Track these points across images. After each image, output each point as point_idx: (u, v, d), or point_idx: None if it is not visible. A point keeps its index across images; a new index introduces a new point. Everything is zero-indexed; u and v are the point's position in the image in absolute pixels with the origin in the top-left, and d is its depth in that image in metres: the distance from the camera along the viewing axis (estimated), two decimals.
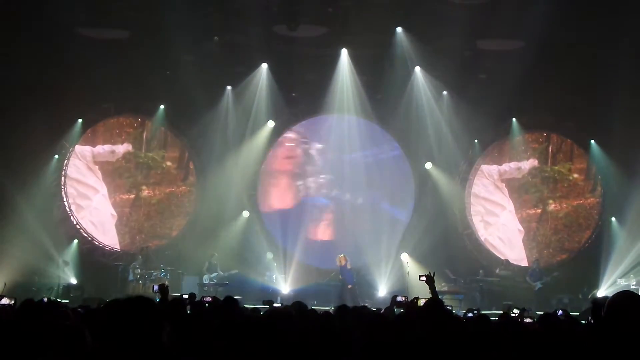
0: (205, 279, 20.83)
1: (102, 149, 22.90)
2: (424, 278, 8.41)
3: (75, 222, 22.22)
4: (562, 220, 23.27)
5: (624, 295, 3.76)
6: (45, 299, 12.73)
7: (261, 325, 5.32)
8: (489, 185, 23.70)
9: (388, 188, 23.43)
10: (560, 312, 13.14)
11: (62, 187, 22.27)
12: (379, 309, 14.24)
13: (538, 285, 21.13)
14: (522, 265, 22.80)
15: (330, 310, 13.38)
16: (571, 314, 12.01)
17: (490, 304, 20.13)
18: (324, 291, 21.57)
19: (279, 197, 23.69)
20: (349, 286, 19.98)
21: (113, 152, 22.96)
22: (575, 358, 3.93)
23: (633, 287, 19.83)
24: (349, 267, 20.16)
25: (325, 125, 23.31)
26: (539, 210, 23.39)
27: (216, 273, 20.90)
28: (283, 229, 23.07)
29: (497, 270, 21.61)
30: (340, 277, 20.29)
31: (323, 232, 23.53)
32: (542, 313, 10.21)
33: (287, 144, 23.72)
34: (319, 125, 23.46)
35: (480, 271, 21.64)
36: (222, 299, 8.92)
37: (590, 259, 21.96)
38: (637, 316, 3.61)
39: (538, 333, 6.26)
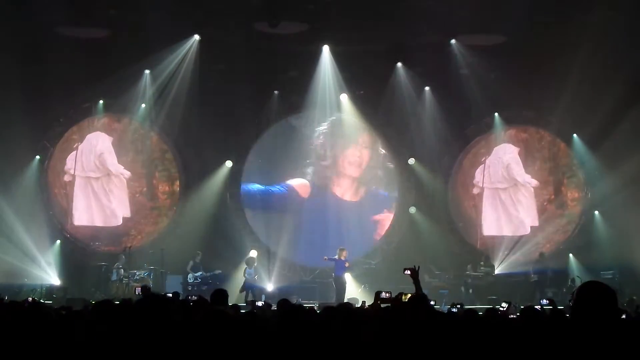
0: (190, 277, 20.73)
1: None
2: (408, 272, 8.33)
3: (57, 223, 22.06)
4: (544, 214, 23.32)
5: (591, 285, 3.77)
6: (30, 299, 12.74)
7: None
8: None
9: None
10: (545, 301, 13.19)
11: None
12: (363, 304, 14.29)
13: (535, 277, 20.88)
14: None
15: (315, 307, 13.41)
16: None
17: (475, 299, 20.19)
18: (308, 288, 21.57)
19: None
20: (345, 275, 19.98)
21: None
22: (551, 348, 3.94)
23: (616, 279, 19.93)
24: (347, 265, 20.03)
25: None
26: None
27: (200, 272, 20.81)
28: (267, 226, 23.02)
29: (468, 269, 21.49)
30: (335, 271, 19.99)
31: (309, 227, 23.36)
32: (523, 307, 10.22)
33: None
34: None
35: (468, 266, 21.59)
36: (208, 298, 8.82)
37: (573, 252, 22.04)
38: (602, 305, 3.63)
39: (519, 326, 6.28)
